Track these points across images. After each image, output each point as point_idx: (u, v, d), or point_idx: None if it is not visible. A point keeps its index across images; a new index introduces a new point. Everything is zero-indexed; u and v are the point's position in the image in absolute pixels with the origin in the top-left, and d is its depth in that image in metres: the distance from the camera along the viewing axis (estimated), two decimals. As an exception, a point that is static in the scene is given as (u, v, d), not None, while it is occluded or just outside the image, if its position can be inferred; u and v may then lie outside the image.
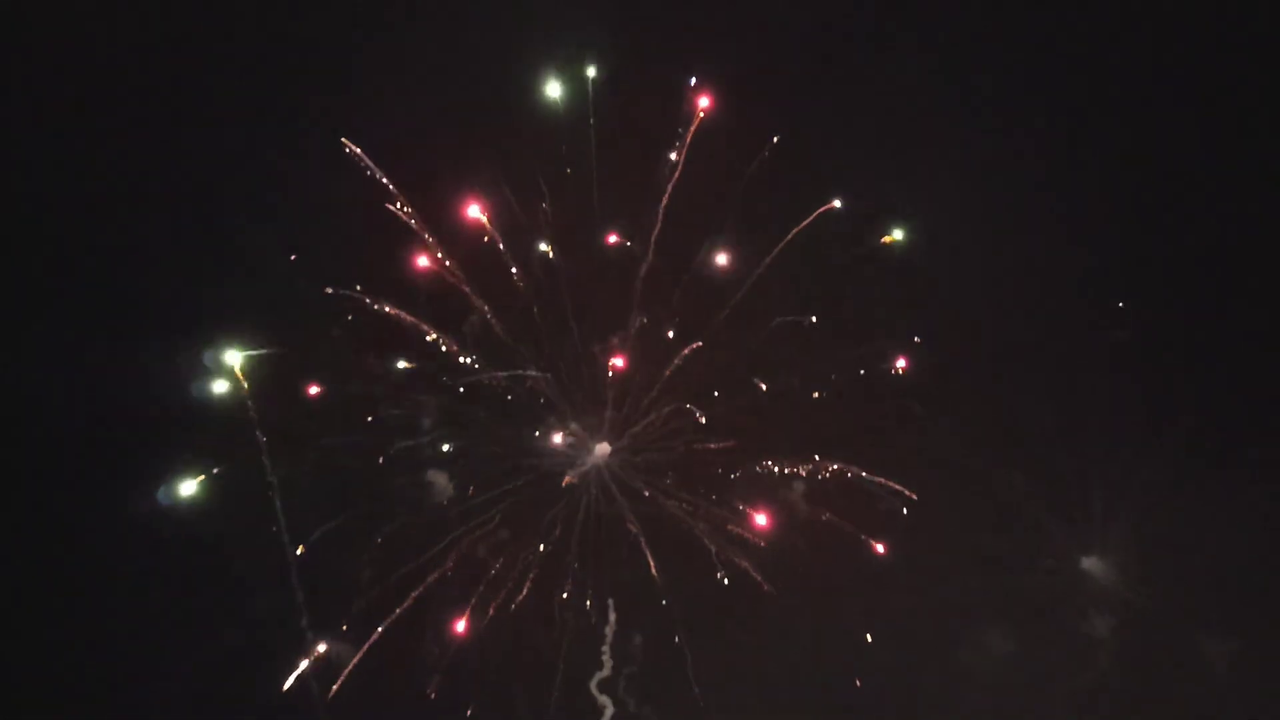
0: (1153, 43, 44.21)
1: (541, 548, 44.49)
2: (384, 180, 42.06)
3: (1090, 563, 46.37)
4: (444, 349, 43.43)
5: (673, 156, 42.96)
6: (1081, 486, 46.00)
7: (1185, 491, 44.90)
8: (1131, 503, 45.90)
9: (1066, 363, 45.82)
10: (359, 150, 41.73)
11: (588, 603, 44.17)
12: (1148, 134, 44.84)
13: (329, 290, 41.75)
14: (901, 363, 44.54)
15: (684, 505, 44.78)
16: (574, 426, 45.34)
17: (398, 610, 42.82)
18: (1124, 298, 46.44)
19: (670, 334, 44.23)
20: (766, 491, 44.94)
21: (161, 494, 40.46)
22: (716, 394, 44.56)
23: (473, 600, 43.60)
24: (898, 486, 44.06)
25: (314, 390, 42.54)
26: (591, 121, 42.76)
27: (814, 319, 44.01)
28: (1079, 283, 46.07)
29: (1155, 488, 45.47)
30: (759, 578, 44.00)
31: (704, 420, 44.42)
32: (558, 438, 45.01)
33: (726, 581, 43.77)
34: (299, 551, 41.47)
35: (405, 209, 42.41)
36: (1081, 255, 45.84)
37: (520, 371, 43.67)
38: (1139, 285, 46.27)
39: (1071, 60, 44.78)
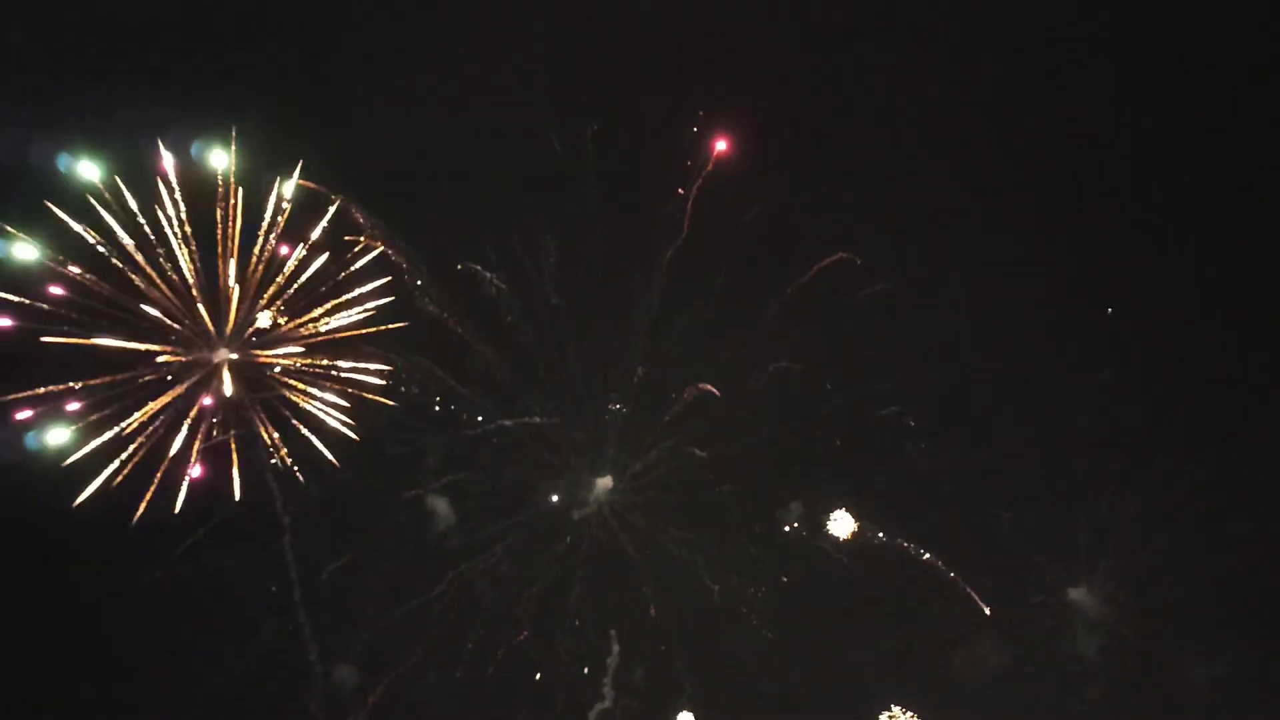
0: (1141, 98, 46.10)
1: (543, 581, 45.28)
2: (382, 225, 41.52)
3: (1078, 594, 47.44)
4: (450, 403, 43.51)
5: (680, 193, 43.42)
6: (1068, 521, 47.30)
7: (1169, 523, 46.46)
8: (1117, 535, 47.15)
9: (1053, 401, 46.96)
10: (353, 203, 40.68)
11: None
12: (1136, 181, 46.55)
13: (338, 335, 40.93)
14: (912, 422, 45.80)
15: (685, 542, 45.66)
16: (576, 462, 46.01)
17: (403, 643, 43.60)
18: (1112, 332, 47.77)
19: (675, 393, 45.16)
20: (766, 528, 46.23)
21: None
22: (719, 434, 45.35)
23: (477, 632, 44.32)
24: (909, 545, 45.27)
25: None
26: (593, 168, 43.13)
27: (812, 365, 45.12)
28: (1065, 323, 47.50)
29: (1140, 520, 46.84)
30: (757, 620, 45.36)
31: (704, 458, 45.41)
32: (560, 476, 45.86)
33: (738, 650, 45.15)
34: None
35: (405, 257, 41.91)
36: (1068, 294, 47.20)
37: (526, 419, 44.10)
38: (1124, 323, 47.68)
39: (1066, 117, 46.49)
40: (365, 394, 35.49)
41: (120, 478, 32.47)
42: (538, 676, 44.82)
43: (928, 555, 45.66)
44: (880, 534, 45.73)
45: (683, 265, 44.12)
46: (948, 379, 45.62)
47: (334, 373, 35.52)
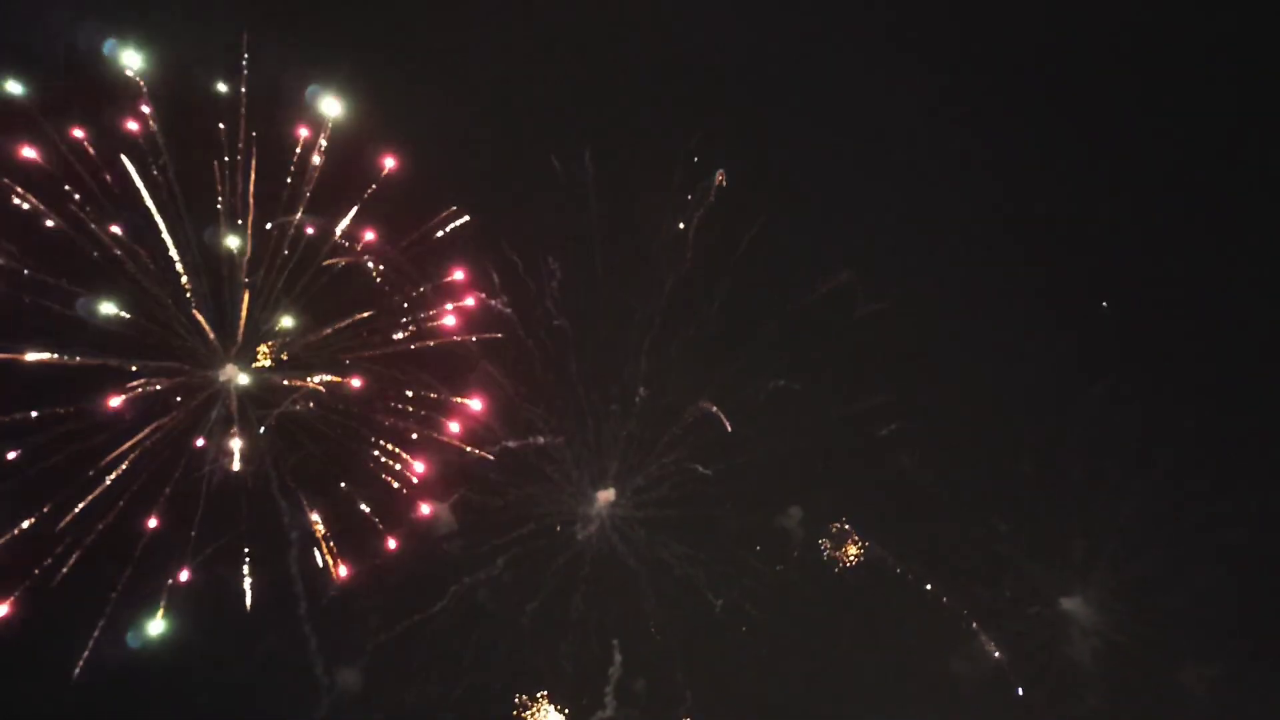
0: (1137, 103, 46.05)
1: (545, 592, 43.95)
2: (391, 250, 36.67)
3: (1073, 603, 46.61)
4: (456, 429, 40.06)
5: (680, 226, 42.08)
6: (1063, 531, 46.58)
7: (1164, 531, 45.57)
8: (1111, 545, 46.29)
9: (1048, 413, 46.29)
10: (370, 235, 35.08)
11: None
12: (1134, 187, 46.18)
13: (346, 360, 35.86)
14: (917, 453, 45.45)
15: (686, 556, 44.86)
16: (577, 476, 44.84)
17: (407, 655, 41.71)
18: (1106, 343, 47.07)
19: (676, 410, 44.38)
20: (765, 541, 45.77)
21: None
22: (719, 450, 44.57)
23: (477, 642, 43.02)
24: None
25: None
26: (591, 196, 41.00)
27: (810, 381, 44.72)
28: (1060, 335, 46.72)
29: (1133, 530, 45.94)
30: (757, 632, 44.68)
31: (706, 474, 44.53)
32: (563, 492, 44.89)
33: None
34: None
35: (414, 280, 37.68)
36: (1062, 307, 46.64)
37: (530, 440, 41.73)
38: (1118, 335, 46.95)
39: (1062, 123, 46.35)
40: (459, 443, 26.05)
41: (59, 578, 21.66)
42: (540, 686, 43.78)
43: (926, 569, 45.36)
44: (879, 546, 45.46)
45: (683, 286, 44.00)
46: (944, 392, 45.38)
47: (403, 407, 25.67)
